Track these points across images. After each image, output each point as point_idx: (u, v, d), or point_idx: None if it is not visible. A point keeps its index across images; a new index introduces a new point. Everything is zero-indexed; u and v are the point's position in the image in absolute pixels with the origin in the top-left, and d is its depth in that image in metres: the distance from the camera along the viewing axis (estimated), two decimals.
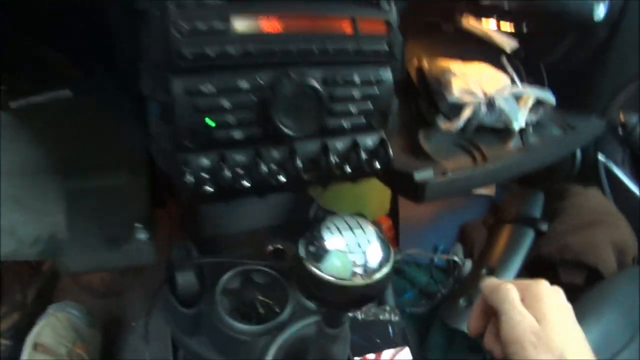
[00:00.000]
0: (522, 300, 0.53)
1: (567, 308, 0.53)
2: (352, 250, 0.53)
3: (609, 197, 1.27)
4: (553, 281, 1.04)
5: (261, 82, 0.55)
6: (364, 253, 0.53)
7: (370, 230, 0.55)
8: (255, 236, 0.82)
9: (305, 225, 0.70)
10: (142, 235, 0.68)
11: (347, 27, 0.58)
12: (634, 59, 1.15)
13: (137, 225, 0.69)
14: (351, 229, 0.54)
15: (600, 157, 1.29)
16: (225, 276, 0.74)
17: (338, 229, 0.54)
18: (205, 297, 0.73)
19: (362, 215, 0.72)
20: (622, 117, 1.25)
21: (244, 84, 0.55)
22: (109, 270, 1.14)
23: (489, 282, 0.57)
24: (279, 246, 0.77)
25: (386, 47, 0.62)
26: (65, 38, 0.80)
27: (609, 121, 1.23)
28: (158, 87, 0.55)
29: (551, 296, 0.53)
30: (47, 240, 0.68)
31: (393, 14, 0.62)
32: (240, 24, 0.53)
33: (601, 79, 1.22)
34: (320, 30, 0.57)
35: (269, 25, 0.54)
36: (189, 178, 0.56)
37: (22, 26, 0.68)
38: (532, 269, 1.14)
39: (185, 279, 0.72)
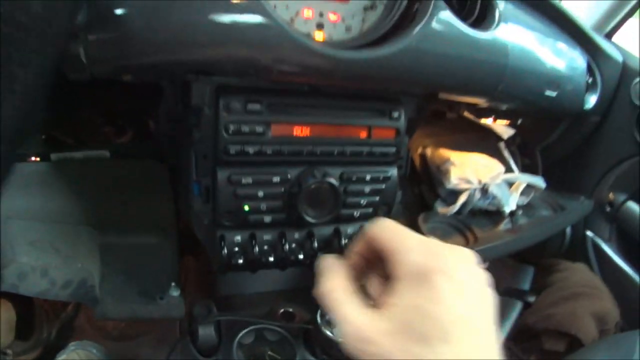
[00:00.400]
0: None
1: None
2: None
3: (596, 272, 1.32)
4: (537, 348, 1.12)
5: (289, 177, 0.67)
6: None
7: None
8: (268, 298, 0.91)
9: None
10: (174, 293, 0.77)
11: (363, 134, 0.70)
12: (623, 142, 1.24)
13: (172, 283, 0.78)
14: None
15: (589, 234, 1.36)
16: (242, 332, 0.84)
17: None
18: (222, 349, 0.82)
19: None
20: (611, 196, 1.31)
21: (275, 178, 0.66)
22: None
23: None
24: (289, 309, 0.86)
25: (394, 150, 0.73)
26: (113, 107, 0.90)
27: (597, 200, 1.31)
28: (203, 172, 0.67)
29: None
30: (77, 284, 0.72)
31: (402, 122, 0.74)
32: (276, 129, 0.65)
33: (592, 162, 1.31)
34: (341, 135, 0.70)
35: (299, 130, 0.66)
36: (224, 251, 0.67)
37: (77, 92, 0.72)
38: (517, 337, 1.20)
39: (206, 332, 0.80)
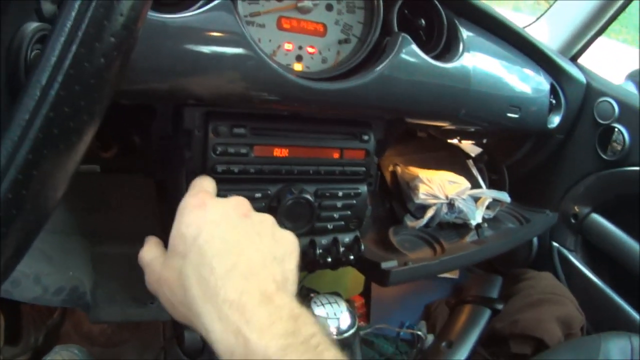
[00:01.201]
0: None
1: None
2: (330, 316, 0.74)
3: (562, 280, 1.38)
4: (505, 352, 1.18)
5: (270, 193, 0.74)
6: (338, 319, 0.75)
7: (343, 304, 0.77)
8: None
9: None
10: None
11: (336, 154, 0.78)
12: (586, 158, 1.31)
13: None
14: (330, 303, 0.75)
15: (555, 244, 1.43)
16: None
17: (322, 302, 0.75)
18: (206, 351, 0.86)
19: (338, 294, 0.91)
20: (575, 209, 1.37)
21: (257, 194, 0.73)
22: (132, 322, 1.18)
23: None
24: None
25: (364, 169, 0.81)
26: (105, 125, 0.95)
27: (562, 213, 1.38)
28: None
29: None
30: (69, 291, 0.76)
31: (371, 144, 0.81)
32: (259, 150, 0.72)
33: (557, 177, 1.39)
34: (316, 156, 0.77)
35: (279, 151, 0.74)
36: None
37: None
38: (487, 343, 1.26)
39: (192, 336, 0.86)
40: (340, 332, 0.79)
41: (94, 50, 0.38)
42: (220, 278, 0.45)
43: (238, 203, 0.55)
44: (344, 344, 0.79)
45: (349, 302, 1.07)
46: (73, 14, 0.37)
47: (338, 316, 0.80)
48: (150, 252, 0.55)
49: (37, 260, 0.73)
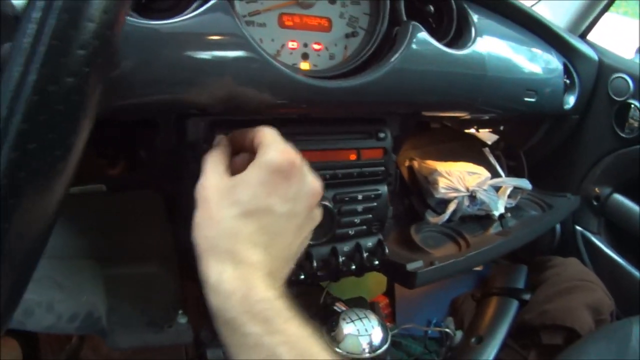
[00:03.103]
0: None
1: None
2: (361, 333, 0.70)
3: (588, 265, 1.35)
4: (536, 343, 1.15)
5: None
6: (370, 335, 0.70)
7: (374, 318, 0.73)
8: None
9: (315, 309, 0.84)
10: (182, 320, 0.79)
11: (352, 156, 0.74)
12: (604, 137, 1.28)
13: (179, 311, 0.80)
14: (360, 319, 0.71)
15: (578, 229, 1.39)
16: None
17: (351, 319, 0.71)
18: None
19: (363, 299, 0.87)
20: (596, 190, 1.34)
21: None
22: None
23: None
24: None
25: (383, 168, 0.77)
26: (110, 144, 0.92)
27: (583, 196, 1.34)
28: None
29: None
30: (84, 317, 0.73)
31: (388, 141, 0.77)
32: None
33: (575, 159, 1.36)
34: (332, 160, 0.73)
35: None
36: None
37: None
38: (517, 335, 1.22)
39: (215, 355, 0.84)
40: (373, 348, 0.75)
41: (60, 69, 0.32)
42: (254, 252, 0.49)
43: (314, 193, 0.56)
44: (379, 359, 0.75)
45: (374, 305, 1.04)
46: (30, 25, 0.31)
47: (370, 332, 0.76)
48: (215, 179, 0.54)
49: (48, 288, 0.70)
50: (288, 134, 0.69)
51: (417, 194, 1.05)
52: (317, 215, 0.58)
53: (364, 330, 0.75)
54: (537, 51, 1.07)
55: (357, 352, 0.74)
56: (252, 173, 0.51)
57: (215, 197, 0.50)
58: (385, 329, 0.77)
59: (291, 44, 0.71)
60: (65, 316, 0.71)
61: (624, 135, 1.24)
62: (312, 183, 0.55)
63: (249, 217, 0.49)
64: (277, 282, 0.50)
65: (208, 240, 0.49)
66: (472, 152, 1.19)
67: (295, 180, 0.52)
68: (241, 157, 0.57)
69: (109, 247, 0.80)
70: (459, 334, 1.26)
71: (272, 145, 0.53)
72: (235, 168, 0.55)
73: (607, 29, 1.39)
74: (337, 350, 0.74)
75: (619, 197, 1.32)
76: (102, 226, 0.80)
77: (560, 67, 1.12)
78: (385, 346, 0.76)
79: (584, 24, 1.30)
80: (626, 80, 1.22)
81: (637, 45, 1.41)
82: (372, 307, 1.04)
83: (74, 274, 0.75)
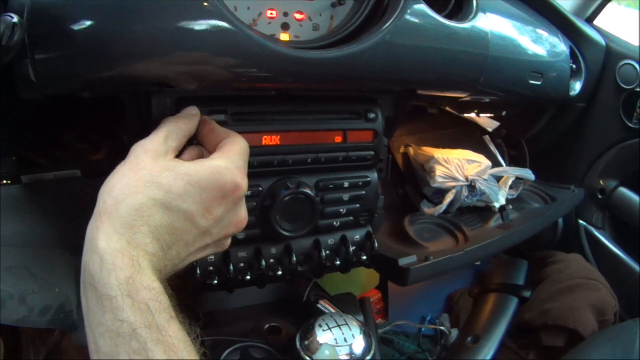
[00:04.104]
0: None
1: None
2: (339, 344, 0.62)
3: (591, 261, 1.31)
4: (536, 345, 1.10)
5: (262, 189, 0.63)
6: (350, 346, 0.62)
7: (355, 326, 0.65)
8: (252, 312, 0.88)
9: (300, 303, 0.77)
10: None
11: (338, 138, 0.66)
12: (611, 128, 1.23)
13: None
14: (339, 326, 0.63)
15: (582, 223, 1.34)
16: (227, 352, 0.80)
17: (328, 326, 0.63)
18: None
19: (352, 296, 0.80)
20: (601, 183, 1.30)
21: (247, 192, 0.62)
22: None
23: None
24: (275, 324, 0.83)
25: (372, 153, 0.70)
26: (82, 124, 0.86)
27: (588, 188, 1.30)
28: None
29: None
30: (56, 310, 0.71)
31: (379, 123, 0.70)
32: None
33: (580, 149, 1.31)
34: (314, 142, 0.66)
35: (269, 139, 0.62)
36: (198, 272, 0.63)
37: (44, 108, 0.71)
38: (515, 335, 1.17)
39: None
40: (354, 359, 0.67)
41: None
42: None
43: (237, 225, 0.53)
44: None
45: (365, 301, 0.97)
46: None
47: (350, 342, 0.68)
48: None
49: (21, 279, 0.68)
50: (266, 113, 0.63)
51: (412, 183, 0.99)
52: (226, 245, 0.56)
53: (343, 340, 0.67)
54: (543, 33, 1.02)
55: None
56: (195, 170, 0.48)
57: (147, 168, 0.47)
58: (368, 336, 0.70)
59: (270, 13, 0.65)
60: (37, 309, 0.69)
61: (632, 126, 1.19)
62: (241, 215, 0.53)
63: (166, 211, 0.46)
64: (162, 281, 0.46)
65: (116, 203, 0.45)
66: (471, 139, 1.14)
67: (229, 204, 0.50)
68: (195, 148, 0.55)
69: (83, 236, 0.77)
70: (454, 333, 1.21)
71: (233, 158, 0.51)
72: (182, 153, 0.52)
73: (610, 19, 1.33)
74: None
75: (625, 191, 1.28)
76: (77, 213, 0.75)
77: (566, 50, 1.07)
78: (369, 357, 0.68)
79: (590, 7, 1.25)
80: (635, 68, 1.17)
81: None
82: (363, 302, 0.98)
83: (48, 264, 0.72)
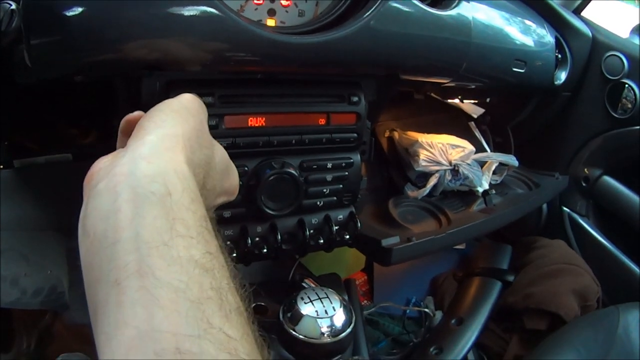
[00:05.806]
0: None
1: None
2: (321, 315, 0.64)
3: (575, 247, 1.33)
4: (519, 328, 1.12)
5: (247, 169, 0.65)
6: (331, 318, 0.64)
7: (336, 299, 0.67)
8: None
9: (285, 283, 0.80)
10: None
11: (321, 120, 0.68)
12: (595, 117, 1.24)
13: None
14: (320, 299, 0.65)
15: (565, 210, 1.36)
16: None
17: (310, 298, 0.65)
18: None
19: (336, 276, 0.82)
20: (585, 171, 1.31)
21: None
22: None
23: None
24: (261, 302, 0.85)
25: (355, 135, 0.72)
26: (74, 109, 0.87)
27: (572, 176, 1.31)
28: None
29: None
30: (48, 291, 0.73)
31: (362, 106, 0.72)
32: (230, 121, 0.63)
33: (565, 138, 1.32)
34: (298, 124, 0.68)
35: (254, 121, 0.64)
36: None
37: (37, 93, 0.72)
38: (498, 318, 1.20)
39: None
40: (334, 332, 0.69)
41: None
42: None
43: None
44: (341, 345, 0.70)
45: (350, 282, 0.99)
46: None
47: (330, 314, 0.69)
48: None
49: (13, 261, 0.70)
50: (252, 95, 0.64)
51: (396, 167, 1.00)
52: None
53: (324, 312, 0.69)
54: (528, 22, 1.03)
55: (315, 336, 0.68)
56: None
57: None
58: (349, 311, 0.72)
59: None
60: (29, 291, 0.71)
61: (616, 116, 1.20)
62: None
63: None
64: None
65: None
66: (457, 125, 1.15)
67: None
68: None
69: (74, 217, 0.78)
70: (438, 315, 1.23)
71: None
72: None
73: (601, 11, 1.35)
74: (293, 332, 0.69)
75: (608, 180, 1.29)
76: (68, 196, 0.77)
77: (552, 40, 1.08)
78: (349, 330, 0.70)
79: None
80: (621, 59, 1.18)
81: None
82: (348, 284, 1.00)
83: (39, 247, 0.74)
